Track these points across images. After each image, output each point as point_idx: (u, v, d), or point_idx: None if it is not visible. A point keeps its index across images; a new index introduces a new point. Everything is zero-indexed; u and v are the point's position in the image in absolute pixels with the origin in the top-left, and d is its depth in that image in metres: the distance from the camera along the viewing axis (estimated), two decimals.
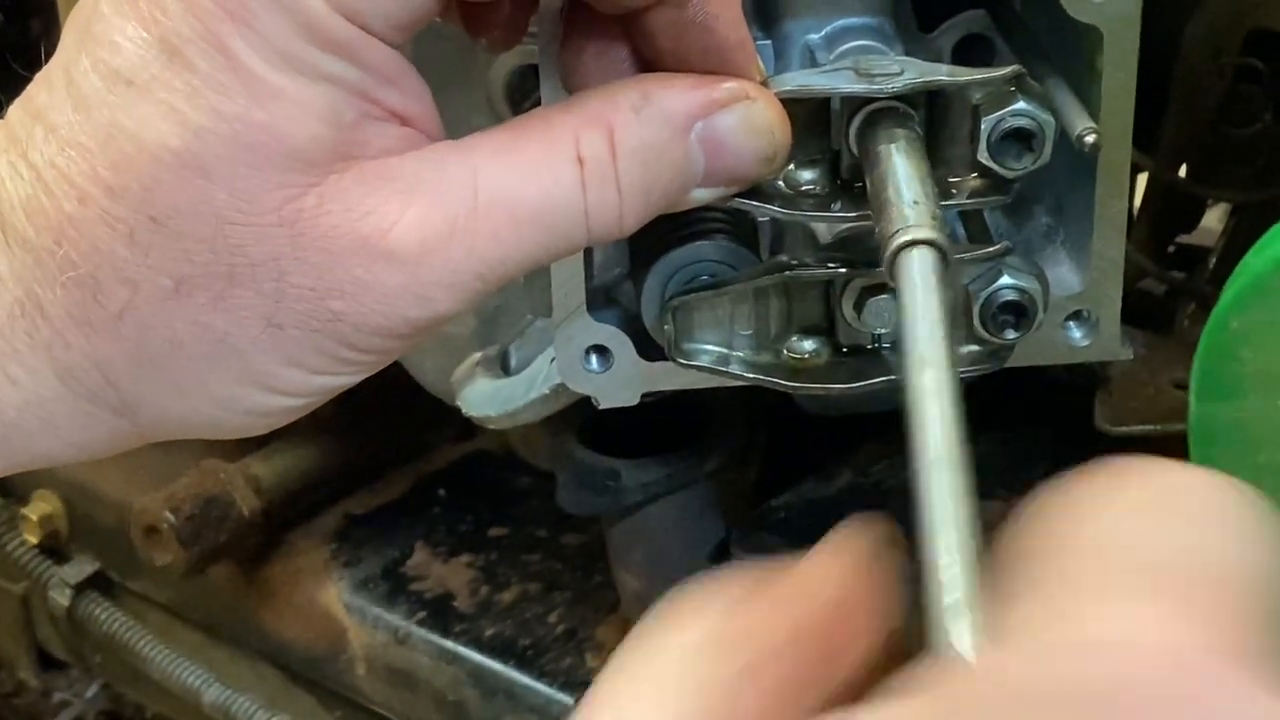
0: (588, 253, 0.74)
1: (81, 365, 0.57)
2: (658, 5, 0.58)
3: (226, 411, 0.59)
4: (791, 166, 0.67)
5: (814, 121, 0.66)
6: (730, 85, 0.60)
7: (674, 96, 0.59)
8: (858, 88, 0.65)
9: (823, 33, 0.72)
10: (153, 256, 0.56)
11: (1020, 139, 0.65)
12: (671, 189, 0.60)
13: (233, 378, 0.58)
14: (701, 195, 0.61)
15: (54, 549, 1.53)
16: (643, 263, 0.73)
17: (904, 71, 0.65)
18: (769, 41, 0.73)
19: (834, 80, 0.66)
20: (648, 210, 0.60)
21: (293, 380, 0.58)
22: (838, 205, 0.67)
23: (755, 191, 0.65)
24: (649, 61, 0.61)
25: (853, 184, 0.67)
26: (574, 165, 0.58)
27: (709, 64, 0.60)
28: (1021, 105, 0.65)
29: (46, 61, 0.59)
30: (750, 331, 0.72)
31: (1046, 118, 0.65)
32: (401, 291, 0.57)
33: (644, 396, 0.75)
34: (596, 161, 0.58)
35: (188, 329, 0.57)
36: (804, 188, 0.67)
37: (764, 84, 0.62)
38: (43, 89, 0.57)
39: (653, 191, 0.59)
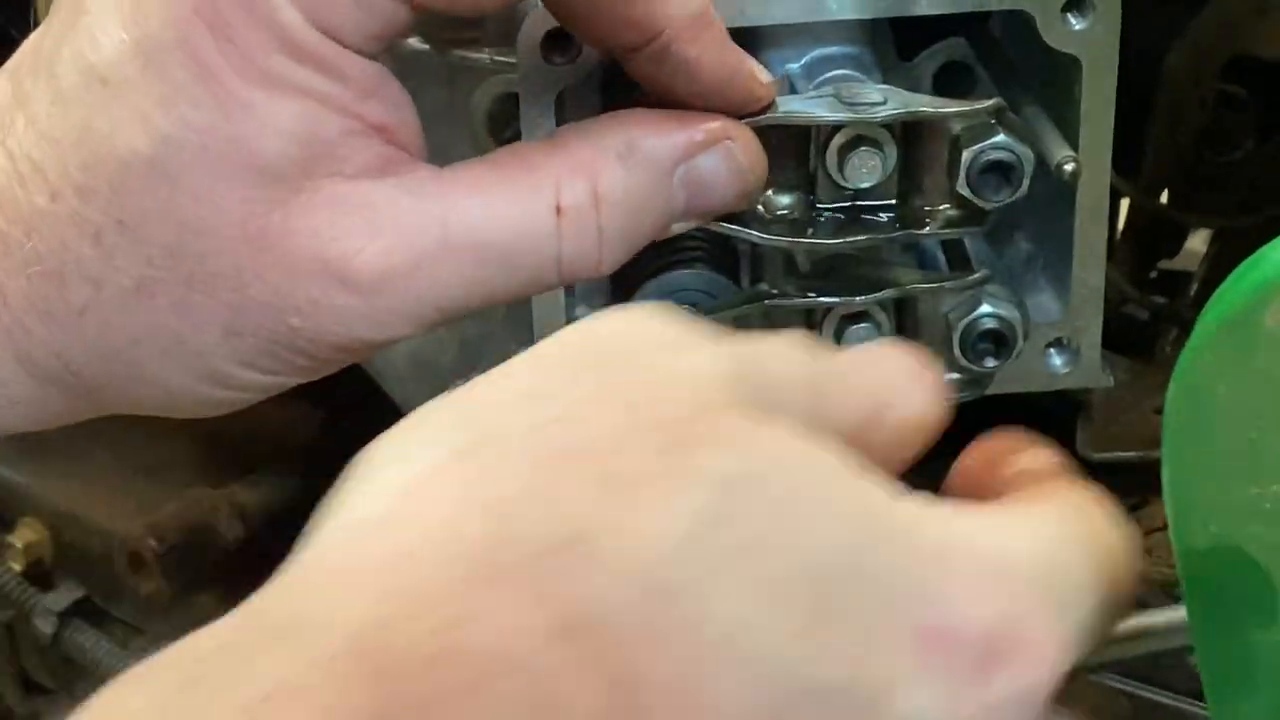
0: None
1: (41, 352, 0.58)
2: (635, 54, 0.59)
3: (181, 399, 0.60)
4: (770, 192, 0.67)
5: (793, 147, 0.66)
6: (711, 126, 0.60)
7: (658, 142, 0.59)
8: (841, 116, 0.65)
9: (802, 62, 0.72)
10: (117, 258, 0.56)
11: (999, 171, 0.65)
12: (654, 229, 0.61)
13: (190, 375, 0.59)
14: (680, 227, 0.62)
15: (39, 576, 1.52)
16: (623, 292, 0.73)
17: (886, 100, 0.66)
18: None
19: (817, 108, 0.66)
20: (628, 252, 0.61)
21: (248, 379, 0.59)
22: (813, 231, 0.67)
23: (732, 216, 0.65)
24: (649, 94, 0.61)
25: (829, 209, 0.67)
26: (550, 213, 0.58)
27: (705, 102, 0.60)
28: (1002, 138, 0.65)
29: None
30: None
31: (1026, 151, 0.65)
32: (357, 316, 0.57)
33: None
34: (578, 211, 0.58)
35: (147, 330, 0.57)
36: (780, 212, 0.67)
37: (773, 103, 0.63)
38: (28, 72, 0.58)
39: (634, 235, 0.60)
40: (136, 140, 0.55)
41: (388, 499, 0.40)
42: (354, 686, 0.34)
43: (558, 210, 0.58)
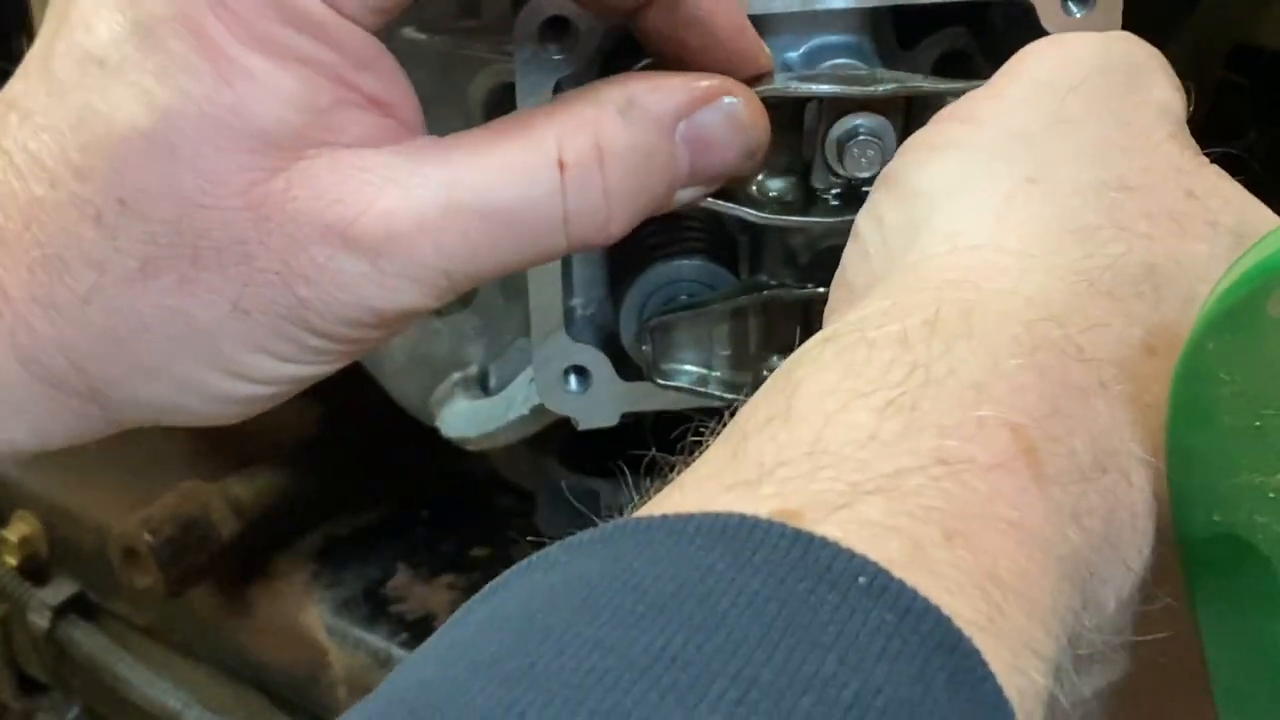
0: (567, 273, 0.73)
1: (46, 350, 0.57)
2: (648, 6, 0.58)
3: (195, 397, 0.59)
4: (761, 176, 0.67)
5: (785, 130, 0.66)
6: (711, 82, 0.60)
7: (659, 97, 0.59)
8: (839, 89, 0.65)
9: (801, 50, 0.71)
10: (120, 238, 0.56)
11: None
12: (659, 191, 0.60)
13: (200, 362, 0.58)
14: (686, 195, 0.61)
15: (34, 571, 1.52)
16: (621, 282, 0.73)
17: (882, 80, 0.65)
18: None
19: (816, 83, 0.65)
20: (636, 215, 0.60)
21: (261, 367, 0.58)
22: (810, 211, 0.67)
23: (729, 196, 0.65)
24: (654, 55, 0.61)
25: (823, 193, 0.67)
26: (553, 169, 0.57)
27: (715, 57, 0.60)
28: None
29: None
30: (729, 351, 0.72)
31: None
32: (364, 280, 0.56)
33: (624, 417, 0.75)
34: (581, 167, 0.58)
35: (154, 312, 0.57)
36: (772, 194, 0.67)
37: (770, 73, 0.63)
38: (19, 79, 0.58)
39: (641, 195, 0.59)
40: (136, 115, 0.55)
41: (980, 220, 0.49)
42: (1025, 379, 0.43)
43: (560, 166, 0.57)
